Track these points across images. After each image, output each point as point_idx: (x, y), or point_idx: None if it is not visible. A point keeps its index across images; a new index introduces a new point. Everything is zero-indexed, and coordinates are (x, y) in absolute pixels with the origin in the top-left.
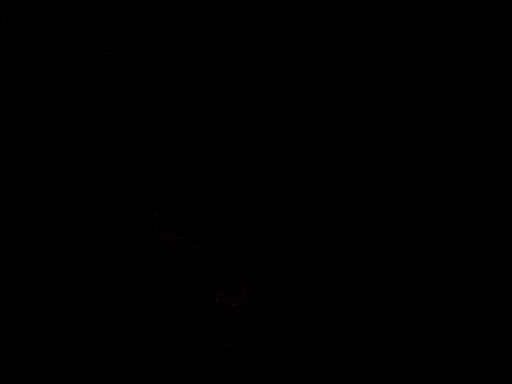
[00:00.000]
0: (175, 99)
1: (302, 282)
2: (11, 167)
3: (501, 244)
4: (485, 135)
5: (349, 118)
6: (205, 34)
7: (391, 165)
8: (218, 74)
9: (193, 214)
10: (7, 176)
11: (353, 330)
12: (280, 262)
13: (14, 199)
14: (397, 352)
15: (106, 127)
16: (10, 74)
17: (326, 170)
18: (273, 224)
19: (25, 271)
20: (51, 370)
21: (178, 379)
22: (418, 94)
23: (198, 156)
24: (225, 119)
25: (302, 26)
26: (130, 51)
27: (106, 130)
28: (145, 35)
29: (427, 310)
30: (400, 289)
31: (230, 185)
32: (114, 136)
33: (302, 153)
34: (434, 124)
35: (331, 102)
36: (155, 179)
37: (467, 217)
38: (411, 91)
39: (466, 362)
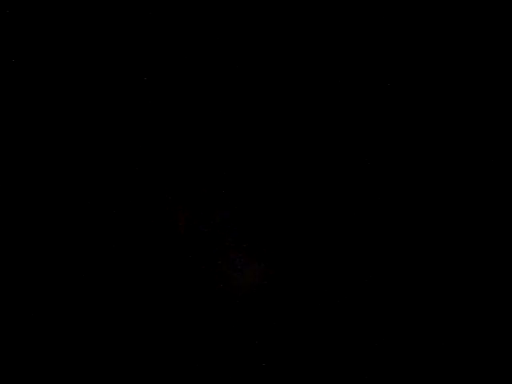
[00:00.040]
0: (189, 85)
1: (314, 260)
2: (17, 166)
3: (501, 244)
4: (485, 135)
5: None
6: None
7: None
8: (234, 63)
9: (206, 194)
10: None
11: (367, 310)
12: (293, 240)
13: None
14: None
15: (119, 113)
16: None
17: (339, 149)
18: (285, 203)
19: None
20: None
21: (192, 356)
22: (418, 93)
23: (211, 138)
24: (237, 103)
25: (302, 26)
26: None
27: (119, 116)
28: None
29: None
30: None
31: (243, 164)
32: (127, 121)
33: (312, 134)
34: (434, 124)
35: (343, 96)
36: (168, 161)
37: (467, 217)
38: (411, 91)
39: (465, 362)
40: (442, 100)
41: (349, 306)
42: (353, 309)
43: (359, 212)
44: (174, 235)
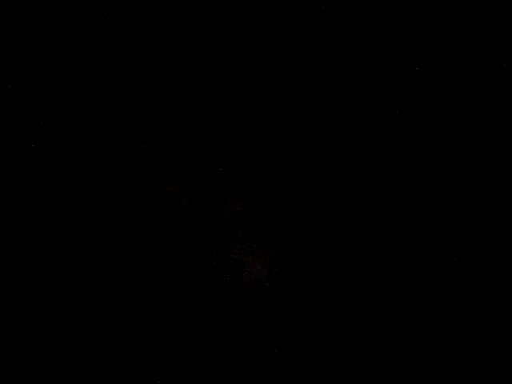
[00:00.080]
0: (198, 74)
1: (323, 252)
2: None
3: (501, 244)
4: (485, 135)
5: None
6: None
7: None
8: (245, 57)
9: (214, 185)
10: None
11: (377, 302)
12: (302, 232)
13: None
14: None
15: (126, 102)
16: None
17: (350, 139)
18: (295, 195)
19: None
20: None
21: (200, 349)
22: (418, 93)
23: (219, 128)
24: (247, 91)
25: (302, 26)
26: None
27: (127, 104)
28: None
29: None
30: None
31: (253, 156)
32: (136, 109)
33: (327, 128)
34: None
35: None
36: (178, 152)
37: (467, 217)
38: (411, 91)
39: (465, 362)
40: (442, 100)
41: (358, 299)
42: (362, 303)
43: (370, 206)
44: (182, 229)
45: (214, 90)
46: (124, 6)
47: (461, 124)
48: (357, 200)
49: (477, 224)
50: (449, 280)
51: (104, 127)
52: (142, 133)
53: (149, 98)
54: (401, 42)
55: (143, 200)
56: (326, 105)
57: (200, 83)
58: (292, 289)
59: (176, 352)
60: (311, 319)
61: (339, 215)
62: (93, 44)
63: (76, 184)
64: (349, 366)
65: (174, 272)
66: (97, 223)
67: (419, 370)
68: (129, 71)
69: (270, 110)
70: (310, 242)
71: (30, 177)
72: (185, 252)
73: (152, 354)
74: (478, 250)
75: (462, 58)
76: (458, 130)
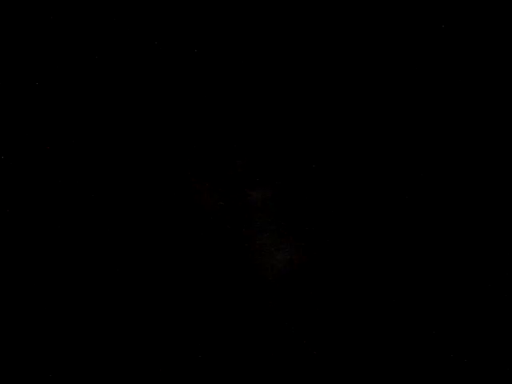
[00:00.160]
0: (221, 66)
1: (347, 242)
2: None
3: (501, 244)
4: (485, 135)
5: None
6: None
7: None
8: (256, 48)
9: (238, 174)
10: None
11: (400, 295)
12: (326, 221)
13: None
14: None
15: (144, 94)
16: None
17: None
18: (318, 184)
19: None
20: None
21: (225, 338)
22: (418, 93)
23: (241, 117)
24: (273, 81)
25: (302, 26)
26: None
27: (145, 97)
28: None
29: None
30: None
31: (275, 145)
32: (154, 99)
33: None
34: (434, 124)
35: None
36: (200, 141)
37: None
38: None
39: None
40: (442, 100)
41: (380, 291)
42: (384, 293)
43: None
44: (201, 217)
45: (239, 81)
46: (124, 5)
47: (461, 124)
48: (375, 194)
49: (477, 224)
50: (459, 279)
51: (129, 119)
52: (167, 125)
53: (172, 91)
54: (401, 42)
55: (160, 189)
56: (350, 93)
57: (223, 75)
58: (319, 276)
59: (196, 341)
60: (337, 304)
61: (369, 203)
62: (108, 43)
63: (104, 172)
64: (373, 357)
65: (196, 262)
66: (112, 214)
67: (425, 370)
68: (151, 65)
69: (298, 98)
70: (334, 228)
71: (45, 174)
72: (208, 241)
73: (171, 341)
74: (478, 249)
75: (462, 58)
76: (458, 130)
